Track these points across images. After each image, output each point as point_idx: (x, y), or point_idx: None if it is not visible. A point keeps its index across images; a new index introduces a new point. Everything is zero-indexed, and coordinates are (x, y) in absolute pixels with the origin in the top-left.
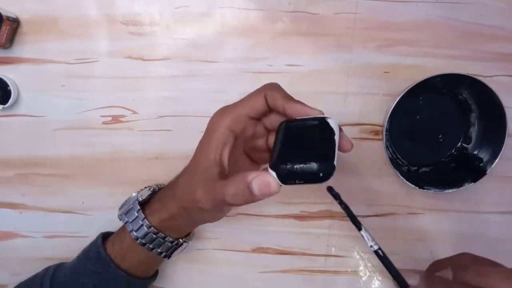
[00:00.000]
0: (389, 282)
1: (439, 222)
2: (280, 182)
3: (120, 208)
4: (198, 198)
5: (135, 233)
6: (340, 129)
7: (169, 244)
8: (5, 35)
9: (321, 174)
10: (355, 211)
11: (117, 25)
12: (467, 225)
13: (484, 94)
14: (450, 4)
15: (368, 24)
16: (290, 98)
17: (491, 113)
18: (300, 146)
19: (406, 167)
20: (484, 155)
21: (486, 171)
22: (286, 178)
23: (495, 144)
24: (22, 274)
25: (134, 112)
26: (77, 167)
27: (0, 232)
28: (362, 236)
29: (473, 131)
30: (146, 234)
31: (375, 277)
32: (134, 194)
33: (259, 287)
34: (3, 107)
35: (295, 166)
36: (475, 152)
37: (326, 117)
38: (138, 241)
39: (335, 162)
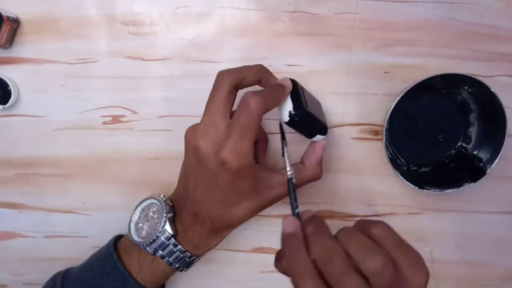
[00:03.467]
0: None
1: (439, 222)
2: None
3: (141, 238)
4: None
5: (176, 265)
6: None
7: (193, 262)
8: (5, 35)
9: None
10: (355, 210)
11: (117, 25)
12: (467, 225)
13: (484, 94)
14: (450, 4)
15: (368, 24)
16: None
17: (491, 113)
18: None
19: (406, 167)
20: (484, 155)
21: (486, 171)
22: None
23: (495, 144)
24: (23, 274)
25: (134, 112)
26: (77, 167)
27: (0, 232)
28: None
29: (473, 131)
30: (188, 263)
31: None
32: (161, 228)
33: (259, 287)
34: (3, 107)
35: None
36: (475, 152)
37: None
38: (178, 270)
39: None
